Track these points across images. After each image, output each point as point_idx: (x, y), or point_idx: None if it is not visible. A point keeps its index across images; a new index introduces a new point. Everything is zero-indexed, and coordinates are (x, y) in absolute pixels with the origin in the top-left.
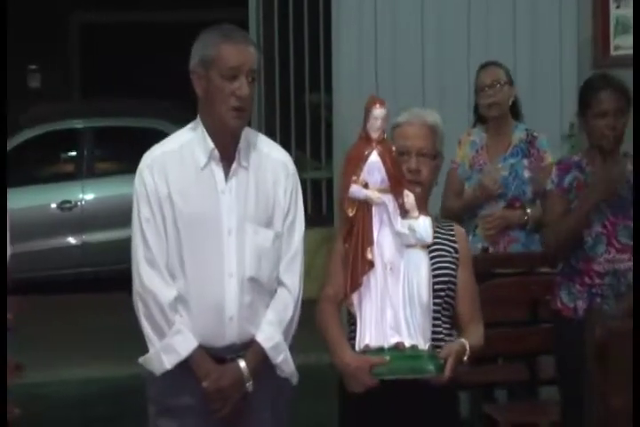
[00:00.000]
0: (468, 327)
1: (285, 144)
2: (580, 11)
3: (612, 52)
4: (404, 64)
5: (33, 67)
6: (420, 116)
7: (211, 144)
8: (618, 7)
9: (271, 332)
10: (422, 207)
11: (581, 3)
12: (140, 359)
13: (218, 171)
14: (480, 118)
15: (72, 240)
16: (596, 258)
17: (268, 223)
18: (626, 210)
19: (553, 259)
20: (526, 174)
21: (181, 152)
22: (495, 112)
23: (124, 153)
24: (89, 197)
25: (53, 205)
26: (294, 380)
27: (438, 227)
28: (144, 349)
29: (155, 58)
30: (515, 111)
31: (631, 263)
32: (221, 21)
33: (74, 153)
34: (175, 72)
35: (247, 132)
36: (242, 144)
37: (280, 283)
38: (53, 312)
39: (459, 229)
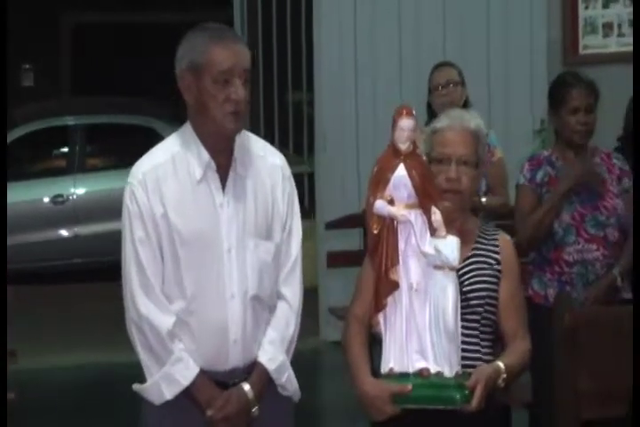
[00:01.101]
0: (509, 345)
1: (269, 140)
2: (550, 11)
3: (581, 51)
4: (383, 63)
5: (26, 66)
6: (461, 121)
7: (206, 155)
8: (586, 8)
9: (274, 352)
10: (462, 217)
11: (551, 4)
12: (136, 387)
13: (214, 182)
14: (433, 115)
15: (64, 233)
16: (566, 248)
17: (268, 235)
18: (594, 201)
19: (525, 249)
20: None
21: (174, 164)
22: (445, 110)
23: (114, 149)
24: (80, 191)
25: (46, 199)
26: (296, 398)
27: (480, 236)
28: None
29: (143, 57)
30: (466, 108)
31: (599, 253)
32: (208, 22)
33: (65, 149)
34: (162, 72)
35: (241, 136)
36: (237, 150)
37: (279, 296)
38: (46, 301)
39: (503, 238)
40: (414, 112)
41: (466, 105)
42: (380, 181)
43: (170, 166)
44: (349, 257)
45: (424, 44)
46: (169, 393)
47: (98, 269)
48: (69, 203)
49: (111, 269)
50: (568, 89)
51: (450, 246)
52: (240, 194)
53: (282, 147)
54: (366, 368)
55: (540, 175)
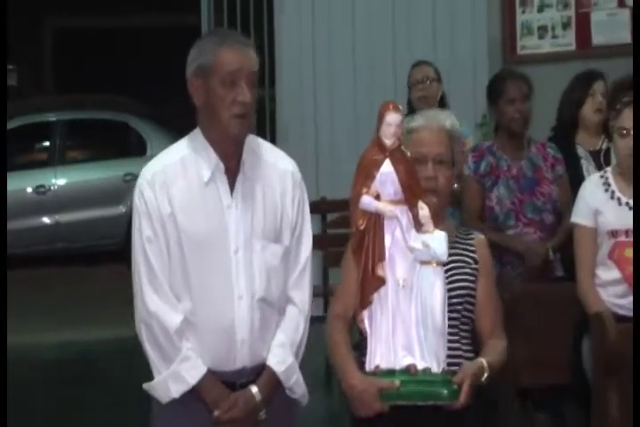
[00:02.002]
0: (488, 343)
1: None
2: (491, 15)
3: (519, 52)
4: (338, 63)
5: (10, 67)
6: (436, 121)
7: (214, 157)
8: (523, 12)
9: (283, 355)
10: (440, 217)
11: (491, 8)
12: (145, 386)
13: (223, 184)
14: (412, 110)
15: (46, 220)
16: (506, 231)
17: (277, 238)
18: (532, 188)
19: None
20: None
21: (183, 166)
22: (425, 105)
23: (92, 142)
24: (61, 182)
25: (29, 190)
26: (304, 401)
27: (457, 236)
28: (112, 316)
29: (118, 58)
30: (442, 103)
31: (536, 236)
32: (177, 26)
33: (47, 143)
34: (135, 71)
35: (250, 140)
36: (245, 154)
37: (289, 300)
38: (30, 284)
39: (479, 238)
40: (401, 107)
41: (442, 99)
42: (365, 176)
43: (179, 168)
44: None
45: (376, 44)
46: (176, 392)
47: (78, 254)
48: (51, 193)
49: (90, 253)
50: (505, 82)
51: (438, 241)
52: (248, 196)
53: None
54: (353, 364)
55: (483, 165)
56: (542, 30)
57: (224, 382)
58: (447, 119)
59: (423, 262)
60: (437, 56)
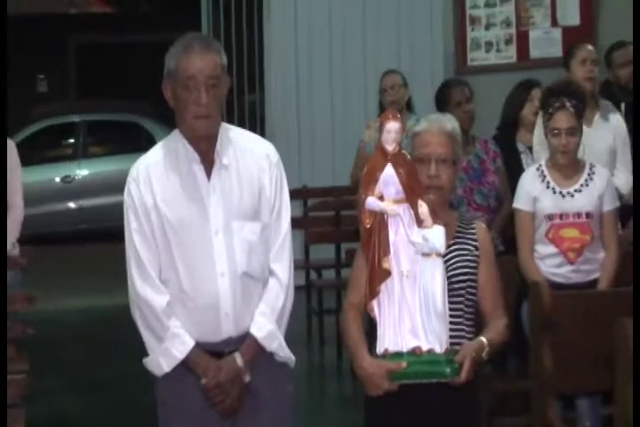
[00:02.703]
0: (489, 323)
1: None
2: (446, 33)
3: (469, 63)
4: (318, 73)
5: (41, 76)
6: (438, 124)
7: (190, 150)
8: (473, 30)
9: (263, 322)
10: (443, 211)
11: (446, 27)
12: (144, 360)
13: (200, 173)
14: (382, 112)
15: (71, 205)
16: None
17: (255, 216)
18: (479, 178)
19: None
20: None
21: (165, 161)
22: (394, 107)
23: (110, 140)
24: (83, 172)
25: (57, 179)
26: (291, 363)
27: (459, 226)
28: (125, 284)
29: (131, 68)
30: (409, 106)
31: (484, 219)
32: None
33: (71, 140)
34: (146, 79)
35: (226, 131)
36: (220, 144)
37: (270, 272)
38: (58, 259)
39: (480, 227)
40: (399, 116)
41: (409, 103)
42: (370, 180)
43: (160, 164)
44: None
45: (349, 56)
46: (167, 366)
47: (98, 233)
48: (75, 182)
49: (109, 232)
50: (450, 89)
51: (437, 235)
52: (225, 182)
53: None
54: (364, 349)
55: None
56: (488, 45)
57: (212, 351)
58: (449, 123)
59: (424, 254)
60: (401, 66)
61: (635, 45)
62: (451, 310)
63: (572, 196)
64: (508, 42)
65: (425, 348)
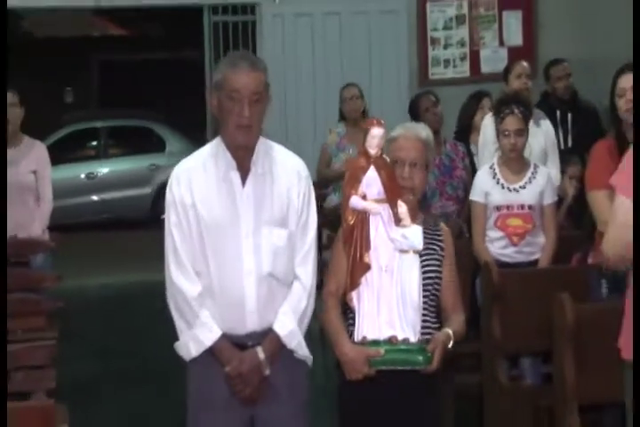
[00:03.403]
0: (451, 316)
1: None
2: (410, 52)
3: (430, 77)
4: (303, 85)
5: (68, 88)
6: (414, 131)
7: (229, 156)
8: (433, 50)
9: (286, 321)
10: (415, 210)
11: (410, 47)
12: (175, 345)
13: (236, 179)
14: (343, 118)
15: (94, 197)
16: (433, 204)
17: (283, 223)
18: (449, 173)
19: None
20: None
21: (205, 165)
22: (352, 115)
23: (126, 142)
24: (105, 170)
25: (82, 176)
26: (309, 361)
27: (427, 228)
28: (140, 265)
29: (145, 81)
30: (364, 114)
31: (454, 207)
32: (186, 59)
33: (94, 143)
34: (158, 90)
35: (263, 143)
36: (257, 154)
37: (295, 276)
38: (83, 244)
39: (445, 229)
40: (382, 121)
41: (364, 112)
42: (354, 180)
43: (200, 168)
44: None
45: (330, 72)
46: (195, 351)
47: (117, 221)
48: (97, 178)
49: (126, 221)
50: (420, 99)
51: (415, 233)
52: (258, 190)
53: None
54: (345, 335)
55: None
56: (446, 62)
57: (237, 343)
58: (423, 131)
59: (402, 251)
60: (372, 80)
61: (635, 48)
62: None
63: (518, 191)
64: (462, 59)
65: (400, 337)
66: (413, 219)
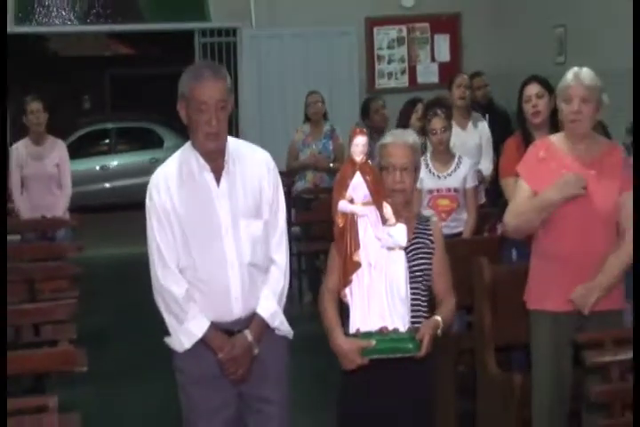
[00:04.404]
0: (441, 303)
1: None
2: (360, 66)
3: (376, 87)
4: (274, 96)
5: (85, 97)
6: (402, 138)
7: (202, 161)
8: (379, 64)
9: (268, 304)
10: (405, 209)
11: (360, 62)
12: (166, 339)
13: (210, 179)
14: (308, 119)
15: (107, 185)
16: None
17: (258, 214)
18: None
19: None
20: (330, 147)
21: (180, 171)
22: (315, 117)
23: (132, 140)
24: (115, 163)
25: (97, 168)
26: (290, 336)
27: (418, 223)
28: (145, 241)
29: (149, 91)
30: (325, 117)
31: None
32: (180, 74)
33: (107, 140)
34: (159, 98)
35: (231, 143)
36: (227, 154)
37: (271, 260)
38: (99, 222)
39: (435, 224)
40: (364, 130)
41: (325, 114)
42: (342, 186)
43: (176, 172)
44: None
45: (297, 82)
46: (188, 343)
47: (124, 204)
48: (109, 169)
49: (132, 204)
50: (369, 102)
51: (400, 231)
52: (231, 186)
53: None
54: (339, 329)
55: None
56: (389, 75)
57: (224, 330)
58: (410, 137)
59: (389, 248)
60: (332, 89)
61: (635, 50)
62: (410, 293)
63: (445, 178)
64: (402, 72)
65: (390, 327)
66: (399, 218)
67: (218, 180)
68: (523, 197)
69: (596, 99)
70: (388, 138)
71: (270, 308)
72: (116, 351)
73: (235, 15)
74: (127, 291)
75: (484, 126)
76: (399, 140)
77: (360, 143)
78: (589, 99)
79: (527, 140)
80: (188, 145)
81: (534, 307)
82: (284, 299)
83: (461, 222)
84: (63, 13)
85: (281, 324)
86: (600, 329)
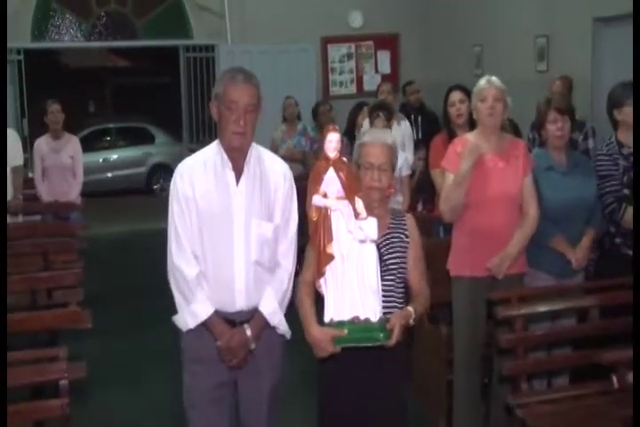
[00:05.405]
0: (415, 295)
1: (198, 140)
2: (317, 77)
3: (330, 94)
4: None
5: (91, 101)
6: (380, 138)
7: (226, 158)
8: (332, 75)
9: (269, 302)
10: (381, 206)
11: (317, 73)
12: (173, 318)
13: (231, 177)
14: (285, 119)
15: (109, 175)
16: None
17: (270, 218)
18: None
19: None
20: (304, 143)
21: (205, 163)
22: (291, 117)
23: (129, 137)
24: (115, 156)
25: (100, 160)
26: (288, 335)
27: (393, 218)
28: (141, 218)
29: (145, 97)
30: (299, 117)
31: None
32: (168, 83)
33: (108, 138)
34: (153, 102)
35: (255, 149)
36: (249, 157)
37: (278, 264)
38: (101, 205)
39: (409, 218)
40: (337, 127)
41: (299, 115)
42: (316, 181)
43: (201, 165)
44: None
45: (276, 90)
46: (191, 323)
47: (124, 191)
48: (110, 161)
49: (128, 190)
50: (319, 105)
51: (370, 225)
52: (249, 188)
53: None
54: (313, 319)
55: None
56: (341, 84)
57: (227, 320)
58: (388, 137)
59: (361, 241)
60: (296, 96)
61: (634, 50)
62: (385, 285)
63: None
64: (351, 82)
65: (362, 317)
66: (370, 212)
67: (237, 178)
68: (451, 185)
69: (504, 99)
70: (367, 137)
71: (271, 307)
72: (115, 312)
73: (213, 34)
74: (125, 262)
75: (405, 125)
76: (378, 140)
77: (334, 140)
78: (500, 98)
79: (451, 137)
80: (216, 142)
81: (455, 274)
82: (287, 301)
83: (397, 204)
84: (71, 31)
85: (280, 323)
86: (507, 289)
